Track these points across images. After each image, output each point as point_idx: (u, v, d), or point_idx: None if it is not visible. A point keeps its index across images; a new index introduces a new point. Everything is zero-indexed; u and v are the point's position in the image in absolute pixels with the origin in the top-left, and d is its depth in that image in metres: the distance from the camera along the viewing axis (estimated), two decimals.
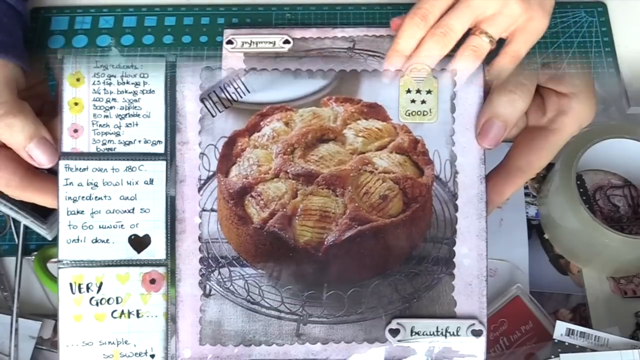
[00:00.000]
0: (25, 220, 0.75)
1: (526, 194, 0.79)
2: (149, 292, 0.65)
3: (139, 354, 0.65)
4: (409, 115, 0.67)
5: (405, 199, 0.66)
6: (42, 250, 0.71)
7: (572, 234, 0.73)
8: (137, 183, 0.66)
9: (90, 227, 0.65)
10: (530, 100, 0.66)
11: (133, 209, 0.66)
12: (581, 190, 0.74)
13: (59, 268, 0.65)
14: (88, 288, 0.65)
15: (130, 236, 0.65)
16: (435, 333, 0.65)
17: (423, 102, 0.67)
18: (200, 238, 0.66)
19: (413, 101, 0.67)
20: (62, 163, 0.65)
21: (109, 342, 0.65)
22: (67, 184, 0.65)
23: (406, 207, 0.66)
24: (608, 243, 0.69)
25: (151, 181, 0.66)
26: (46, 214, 0.75)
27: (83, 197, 0.65)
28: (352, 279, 0.66)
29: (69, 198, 0.65)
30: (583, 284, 0.75)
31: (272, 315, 0.65)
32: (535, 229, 0.78)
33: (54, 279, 0.68)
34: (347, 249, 0.65)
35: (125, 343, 0.65)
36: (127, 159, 0.66)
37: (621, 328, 0.70)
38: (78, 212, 0.65)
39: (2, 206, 0.74)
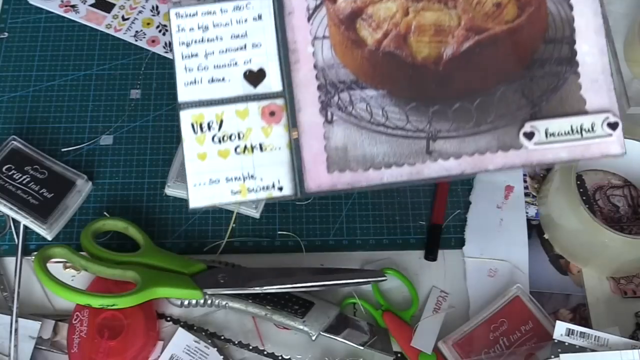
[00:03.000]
0: (25, 220, 0.75)
1: (526, 194, 0.79)
2: (269, 125, 0.65)
3: (267, 187, 0.64)
4: None
5: (519, 4, 0.65)
6: (42, 250, 0.69)
7: (572, 234, 0.73)
8: (246, 21, 0.66)
9: (206, 68, 0.66)
10: None
11: (245, 46, 0.66)
12: (581, 190, 0.74)
13: (180, 110, 0.65)
14: (209, 126, 0.65)
15: (245, 72, 0.65)
16: (570, 132, 0.63)
17: None
18: (315, 66, 0.65)
19: None
20: (173, 11, 0.66)
21: (235, 178, 0.64)
22: (179, 31, 0.66)
23: (521, 12, 0.65)
24: (608, 243, 0.69)
25: (260, 17, 0.66)
26: (46, 214, 0.75)
27: (196, 40, 0.66)
28: (477, 89, 0.64)
29: (183, 43, 0.66)
30: (583, 284, 0.74)
31: (399, 135, 0.64)
32: (535, 229, 0.77)
33: (54, 279, 0.67)
34: (466, 60, 0.64)
35: (252, 177, 0.64)
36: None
37: (621, 328, 0.69)
38: (192, 55, 0.66)
39: (2, 206, 0.75)
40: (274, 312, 0.69)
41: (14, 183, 0.76)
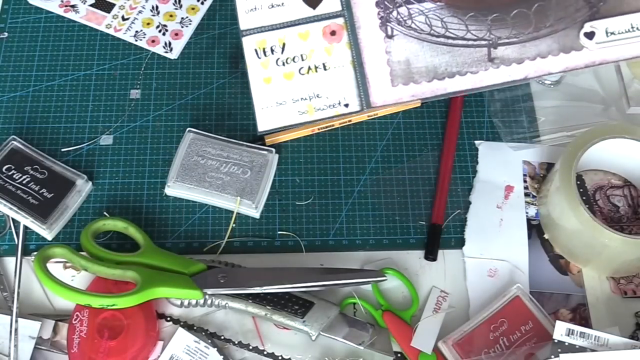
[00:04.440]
0: (25, 220, 0.75)
1: (526, 194, 0.79)
2: (331, 44, 0.67)
3: (333, 105, 0.66)
4: None
5: None
6: (42, 250, 0.69)
7: (572, 234, 0.73)
8: None
9: None
10: None
11: None
12: (581, 190, 0.74)
13: (243, 37, 0.67)
14: (272, 50, 0.68)
15: None
16: (631, 29, 0.64)
17: None
18: None
19: None
20: None
21: (302, 99, 0.67)
22: None
23: None
24: (608, 243, 0.69)
25: None
26: (46, 214, 0.75)
27: None
28: None
29: None
30: (583, 284, 0.74)
31: (459, 45, 0.65)
32: (535, 229, 0.77)
33: (54, 279, 0.67)
34: None
35: (317, 97, 0.67)
36: None
37: (621, 328, 0.69)
38: None
39: (2, 206, 0.75)
40: (274, 312, 0.69)
41: (14, 183, 0.76)
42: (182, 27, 0.89)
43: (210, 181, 0.76)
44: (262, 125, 0.67)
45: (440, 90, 0.66)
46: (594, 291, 0.74)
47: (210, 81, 0.86)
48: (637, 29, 0.63)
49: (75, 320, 0.69)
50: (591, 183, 0.79)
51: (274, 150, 0.78)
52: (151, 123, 0.83)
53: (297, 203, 0.79)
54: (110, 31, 0.89)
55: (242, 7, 0.67)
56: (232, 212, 0.77)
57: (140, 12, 0.90)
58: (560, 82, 0.80)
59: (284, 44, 0.67)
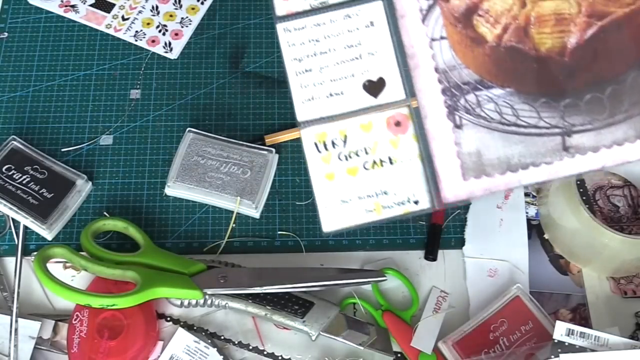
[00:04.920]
0: (25, 220, 0.75)
1: (526, 194, 0.79)
2: (396, 136, 0.63)
3: (402, 203, 0.62)
4: None
5: None
6: (42, 250, 0.69)
7: (572, 234, 0.73)
8: (358, 29, 0.65)
9: (322, 83, 0.64)
10: None
11: (360, 55, 0.64)
12: (581, 190, 0.73)
13: (301, 129, 0.64)
14: (334, 144, 0.63)
15: (364, 82, 0.64)
16: None
17: None
18: (436, 69, 0.64)
19: None
20: (280, 26, 0.65)
21: (368, 196, 0.63)
22: (289, 46, 0.65)
23: None
24: (608, 243, 0.69)
25: (372, 23, 0.65)
26: (46, 214, 0.75)
27: (308, 55, 0.64)
28: (606, 78, 0.63)
29: (295, 59, 0.64)
30: (583, 284, 0.74)
31: (532, 134, 0.63)
32: (535, 229, 0.77)
33: (54, 279, 0.67)
34: (592, 48, 0.63)
35: (385, 194, 0.63)
36: (343, 7, 0.65)
37: (621, 328, 0.69)
38: (306, 71, 0.64)
39: (2, 206, 0.75)
40: (274, 312, 0.69)
41: (14, 183, 0.76)
42: (182, 27, 0.89)
43: (210, 181, 0.76)
44: (326, 226, 0.63)
45: (513, 182, 0.62)
46: (594, 291, 0.74)
47: (210, 81, 0.86)
48: None
49: (75, 320, 0.69)
50: (591, 183, 0.78)
51: (274, 150, 0.78)
52: (151, 123, 0.83)
53: (297, 203, 0.79)
54: (110, 31, 0.89)
55: (298, 97, 0.64)
56: (232, 212, 0.77)
57: (140, 12, 0.90)
58: None
59: (345, 136, 0.63)
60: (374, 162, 0.62)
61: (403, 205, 0.62)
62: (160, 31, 0.89)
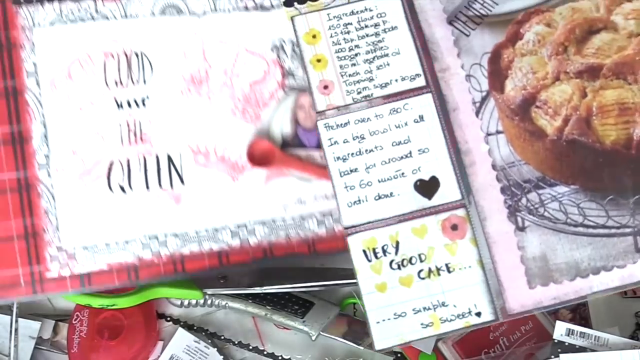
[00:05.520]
0: None
1: None
2: (453, 241, 0.59)
3: (463, 315, 0.58)
4: None
5: None
6: None
7: None
8: (406, 124, 0.62)
9: (369, 183, 0.61)
10: None
11: (410, 153, 0.61)
12: None
13: (347, 236, 0.60)
14: (384, 251, 0.59)
15: (416, 182, 0.60)
16: None
17: None
18: (494, 166, 0.61)
19: None
20: (321, 123, 0.62)
21: (425, 308, 0.58)
22: (332, 144, 0.62)
23: None
24: None
25: (421, 118, 0.62)
26: None
27: (352, 153, 0.61)
28: None
29: (338, 158, 0.61)
30: None
31: (601, 235, 0.59)
32: None
33: None
34: None
35: (443, 305, 0.58)
36: (389, 101, 0.62)
37: (621, 328, 0.67)
38: (352, 170, 0.61)
39: None
40: (274, 312, 0.68)
41: None
42: None
43: None
44: (379, 344, 0.58)
45: (584, 290, 0.58)
46: None
47: None
48: None
49: (75, 320, 0.68)
50: None
51: None
52: None
53: None
54: None
55: (343, 200, 0.60)
56: None
57: None
58: None
59: (397, 242, 0.59)
60: (430, 271, 0.59)
61: (464, 318, 0.58)
62: None
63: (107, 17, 0.64)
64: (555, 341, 0.62)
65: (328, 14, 0.65)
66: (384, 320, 0.58)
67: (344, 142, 0.61)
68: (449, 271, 0.59)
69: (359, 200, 0.60)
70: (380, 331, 0.58)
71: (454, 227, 0.59)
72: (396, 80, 0.62)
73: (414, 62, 0.63)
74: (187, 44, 0.65)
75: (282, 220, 0.64)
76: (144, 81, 0.64)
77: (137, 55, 0.64)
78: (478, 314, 0.58)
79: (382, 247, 0.59)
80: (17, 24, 0.63)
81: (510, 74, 0.63)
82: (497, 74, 0.63)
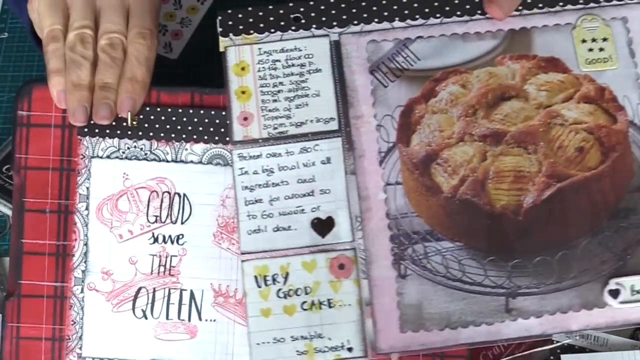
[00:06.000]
0: None
1: None
2: (339, 279, 0.62)
3: (335, 348, 0.61)
4: (590, 64, 0.65)
5: (603, 149, 0.63)
6: None
7: None
8: (313, 164, 0.64)
9: (271, 215, 0.63)
10: None
11: (313, 191, 0.64)
12: None
13: (243, 261, 0.63)
14: (274, 280, 0.62)
15: (313, 220, 0.63)
16: None
17: (601, 49, 0.65)
18: (388, 215, 0.63)
19: (591, 50, 0.65)
20: (236, 152, 0.64)
21: (302, 337, 0.61)
22: (242, 174, 0.64)
23: (605, 158, 0.63)
24: None
25: (328, 160, 0.64)
26: None
27: (260, 185, 0.64)
28: (558, 241, 0.62)
29: (246, 188, 0.64)
30: None
31: (476, 292, 0.62)
32: None
33: None
34: (548, 209, 0.62)
35: (319, 337, 0.61)
36: (301, 140, 0.64)
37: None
38: (256, 201, 0.64)
39: (2, 206, 0.75)
40: None
41: None
42: (182, 27, 0.87)
43: None
44: None
45: (451, 340, 0.61)
46: None
47: (211, 81, 0.86)
48: None
49: None
50: None
51: None
52: None
53: None
54: None
55: (244, 227, 0.63)
56: None
57: None
58: None
59: (287, 273, 0.62)
60: (313, 303, 0.62)
61: (336, 351, 0.61)
62: (160, 31, 0.87)
63: (159, 158, 0.67)
64: (555, 341, 0.65)
65: (259, 49, 0.66)
66: (263, 342, 0.62)
67: (253, 173, 0.64)
68: (330, 306, 0.62)
69: (259, 229, 0.63)
70: (259, 352, 0.62)
71: (341, 267, 0.62)
72: (311, 121, 0.64)
73: (330, 105, 0.65)
74: (228, 193, 0.66)
75: None
76: (182, 222, 0.66)
77: (179, 195, 0.67)
78: (349, 349, 0.62)
79: (273, 276, 0.62)
80: (78, 152, 0.67)
81: (419, 129, 0.64)
82: (406, 127, 0.64)
